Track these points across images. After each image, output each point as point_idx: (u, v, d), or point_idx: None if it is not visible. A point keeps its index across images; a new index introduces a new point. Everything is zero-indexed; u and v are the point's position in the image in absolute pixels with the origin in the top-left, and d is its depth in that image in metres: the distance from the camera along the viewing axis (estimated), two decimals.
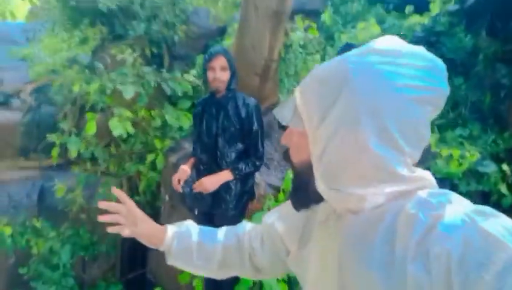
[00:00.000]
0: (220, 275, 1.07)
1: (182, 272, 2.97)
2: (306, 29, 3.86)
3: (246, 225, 1.07)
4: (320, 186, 0.74)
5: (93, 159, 3.97)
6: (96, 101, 3.35)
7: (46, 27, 5.43)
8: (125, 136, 3.35)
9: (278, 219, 1.00)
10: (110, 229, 1.03)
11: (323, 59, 4.24)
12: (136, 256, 3.99)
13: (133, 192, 3.93)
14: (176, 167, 3.19)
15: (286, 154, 0.81)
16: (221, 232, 1.07)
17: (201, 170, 2.41)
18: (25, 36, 6.61)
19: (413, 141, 0.68)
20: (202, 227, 1.09)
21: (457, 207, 0.65)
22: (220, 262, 1.04)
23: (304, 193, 0.79)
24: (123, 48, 3.73)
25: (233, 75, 2.36)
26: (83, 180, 3.78)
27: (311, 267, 0.84)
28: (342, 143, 0.69)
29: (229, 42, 4.32)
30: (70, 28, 4.87)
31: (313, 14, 5.28)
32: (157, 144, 3.48)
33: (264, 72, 3.54)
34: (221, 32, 4.77)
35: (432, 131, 4.14)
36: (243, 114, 2.35)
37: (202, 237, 1.05)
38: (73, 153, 3.62)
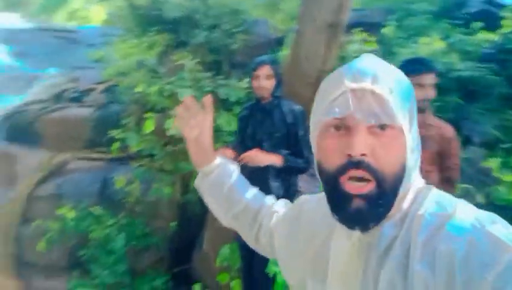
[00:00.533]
0: (230, 224, 1.11)
1: (220, 272, 3.10)
2: (363, 42, 3.86)
3: (271, 200, 1.09)
4: (402, 188, 0.71)
5: (151, 155, 4.25)
6: (155, 102, 3.62)
7: (119, 33, 5.89)
8: (179, 136, 3.57)
9: (278, 217, 1.03)
10: (178, 123, 1.04)
11: None
12: (183, 251, 4.19)
13: (185, 189, 4.16)
14: None
15: (369, 166, 0.68)
16: (252, 192, 1.10)
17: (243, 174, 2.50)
18: (101, 40, 7.21)
19: None
20: (241, 176, 1.12)
21: (468, 211, 0.67)
22: (236, 215, 1.08)
23: (383, 206, 0.70)
24: (184, 54, 3.98)
25: (278, 83, 2.44)
26: (140, 175, 4.06)
27: (321, 272, 0.84)
28: (418, 137, 0.76)
29: (286, 52, 4.42)
30: (139, 34, 5.25)
31: (375, 27, 5.23)
32: None
33: (317, 83, 3.58)
34: (280, 42, 4.89)
35: (496, 155, 3.91)
36: (289, 120, 2.42)
37: (237, 184, 1.09)
38: (133, 149, 3.92)
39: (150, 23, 5.05)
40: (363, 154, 0.68)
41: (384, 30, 4.93)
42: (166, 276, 4.00)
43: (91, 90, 5.67)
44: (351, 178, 0.69)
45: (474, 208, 0.69)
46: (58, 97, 5.48)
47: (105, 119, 4.95)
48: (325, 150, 0.73)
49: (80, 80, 6.01)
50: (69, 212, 3.96)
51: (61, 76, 6.01)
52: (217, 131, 3.77)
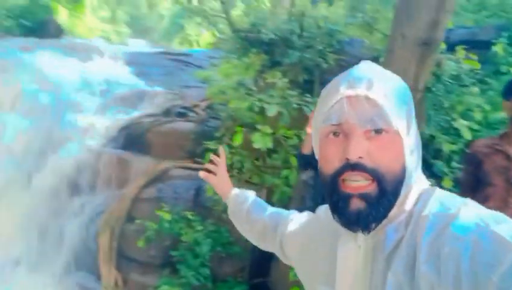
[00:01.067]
0: (262, 245, 1.22)
1: (293, 286, 3.11)
2: (462, 60, 3.60)
3: (291, 215, 1.13)
4: (403, 189, 0.73)
5: (241, 168, 4.49)
6: (246, 117, 3.85)
7: (223, 55, 6.40)
8: (264, 149, 3.73)
9: (293, 225, 1.06)
10: (201, 174, 1.41)
11: (484, 93, 3.85)
12: (263, 263, 4.29)
13: (269, 202, 4.28)
14: (305, 184, 3.38)
15: (366, 167, 0.70)
16: (269, 210, 1.21)
17: None
18: (209, 62, 7.90)
19: None
20: (257, 199, 1.28)
21: (472, 211, 0.66)
22: (260, 234, 1.19)
23: (383, 206, 0.71)
24: (276, 74, 4.17)
25: None
26: None
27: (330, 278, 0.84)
28: (417, 137, 0.78)
29: None
30: (240, 55, 5.64)
31: (484, 45, 4.82)
32: (293, 161, 3.75)
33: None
34: (373, 61, 4.80)
35: None
36: None
37: (252, 207, 1.25)
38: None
39: (249, 45, 5.39)
40: (360, 157, 0.69)
41: (494, 48, 4.51)
42: (244, 285, 4.13)
43: (195, 106, 6.24)
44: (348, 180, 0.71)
45: (479, 207, 0.68)
46: (167, 112, 6.15)
47: (204, 133, 5.39)
48: (326, 156, 0.75)
49: (187, 98, 6.67)
50: (165, 215, 4.36)
51: (171, 94, 6.73)
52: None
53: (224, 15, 5.28)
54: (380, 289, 0.71)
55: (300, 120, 3.93)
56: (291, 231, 1.05)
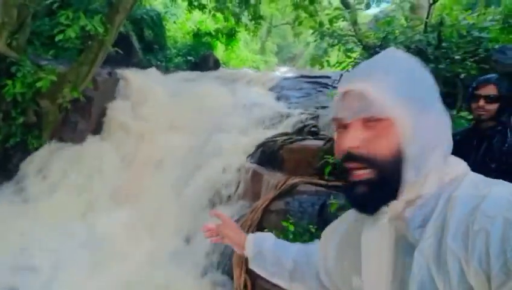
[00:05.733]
0: (293, 287, 1.16)
1: None
2: None
3: (317, 243, 1.13)
4: (410, 174, 0.74)
5: None
6: None
7: None
8: None
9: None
10: (212, 239, 1.39)
11: None
12: None
13: None
14: None
15: (361, 157, 0.76)
16: (295, 246, 1.20)
17: None
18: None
19: None
20: (278, 240, 1.23)
21: (504, 191, 0.65)
22: (291, 273, 1.15)
23: (384, 190, 0.76)
24: None
25: (504, 106, 2.19)
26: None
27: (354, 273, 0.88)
28: (428, 124, 0.76)
29: None
30: None
31: None
32: None
33: None
34: None
35: None
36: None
37: (276, 246, 1.21)
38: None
39: None
40: (355, 147, 0.76)
41: None
42: None
43: (327, 125, 6.33)
44: (351, 168, 0.78)
45: (510, 186, 0.66)
46: (300, 131, 6.40)
47: (331, 150, 5.41)
48: (335, 148, 0.85)
49: (321, 117, 6.81)
50: (290, 226, 4.52)
51: (306, 114, 6.97)
52: None
53: (352, 32, 5.29)
54: (405, 270, 0.72)
55: None
56: (323, 243, 1.07)
